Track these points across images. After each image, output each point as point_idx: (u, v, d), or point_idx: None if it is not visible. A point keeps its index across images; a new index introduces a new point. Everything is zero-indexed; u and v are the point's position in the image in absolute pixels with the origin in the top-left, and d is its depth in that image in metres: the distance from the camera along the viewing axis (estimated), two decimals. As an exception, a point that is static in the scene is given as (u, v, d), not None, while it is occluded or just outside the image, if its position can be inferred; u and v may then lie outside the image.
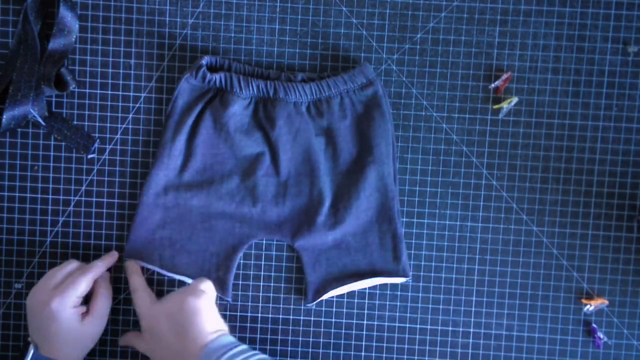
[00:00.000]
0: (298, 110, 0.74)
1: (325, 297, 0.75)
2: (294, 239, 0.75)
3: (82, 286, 0.69)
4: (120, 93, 0.76)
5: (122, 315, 0.77)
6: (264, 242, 0.77)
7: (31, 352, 0.68)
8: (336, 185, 0.75)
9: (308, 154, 0.74)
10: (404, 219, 0.77)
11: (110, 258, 0.74)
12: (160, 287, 0.77)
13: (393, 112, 0.76)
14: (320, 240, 0.75)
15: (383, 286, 0.77)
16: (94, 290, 0.73)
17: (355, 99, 0.74)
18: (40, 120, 0.74)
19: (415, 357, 0.77)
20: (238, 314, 0.77)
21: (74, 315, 0.69)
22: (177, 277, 0.76)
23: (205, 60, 0.73)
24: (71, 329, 0.69)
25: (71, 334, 0.69)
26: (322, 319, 0.77)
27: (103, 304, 0.72)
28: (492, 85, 0.76)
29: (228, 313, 0.77)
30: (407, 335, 0.77)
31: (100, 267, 0.72)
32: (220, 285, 0.75)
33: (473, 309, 0.77)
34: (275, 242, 0.77)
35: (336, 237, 0.75)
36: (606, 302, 0.76)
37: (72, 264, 0.72)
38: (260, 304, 0.77)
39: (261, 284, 0.77)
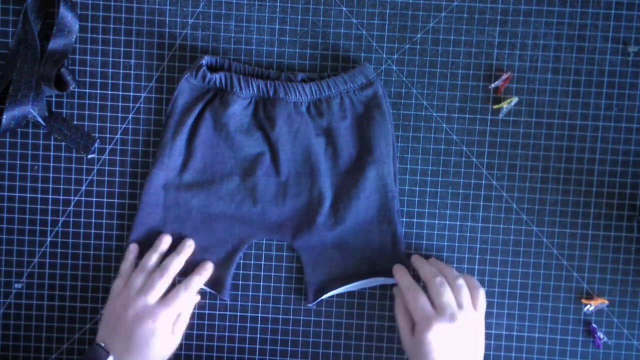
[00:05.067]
0: (298, 110, 0.74)
1: (325, 297, 0.75)
2: (294, 239, 0.75)
3: (185, 305, 0.70)
4: (120, 93, 0.76)
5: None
6: (264, 242, 0.77)
7: None
8: (336, 186, 0.75)
9: (308, 154, 0.74)
10: (404, 219, 0.77)
11: (206, 271, 0.73)
12: (160, 287, 0.77)
13: (393, 112, 0.76)
14: (320, 240, 0.75)
15: (383, 286, 0.77)
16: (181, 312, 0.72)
17: (355, 99, 0.74)
18: (40, 120, 0.74)
19: (415, 357, 0.77)
20: (238, 314, 0.77)
21: (170, 332, 0.69)
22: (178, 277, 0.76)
23: (205, 60, 0.73)
24: (164, 345, 0.68)
25: (162, 350, 0.68)
26: (322, 319, 0.77)
27: (185, 325, 0.72)
28: (492, 85, 0.76)
29: (228, 313, 0.77)
30: (407, 335, 0.77)
31: (199, 282, 0.72)
32: (219, 285, 0.75)
33: (473, 309, 0.77)
34: (275, 242, 0.77)
35: (336, 237, 0.75)
36: (606, 302, 0.76)
37: (152, 259, 0.71)
38: (260, 304, 0.77)
39: (261, 284, 0.77)
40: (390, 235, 0.75)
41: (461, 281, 0.70)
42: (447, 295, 0.68)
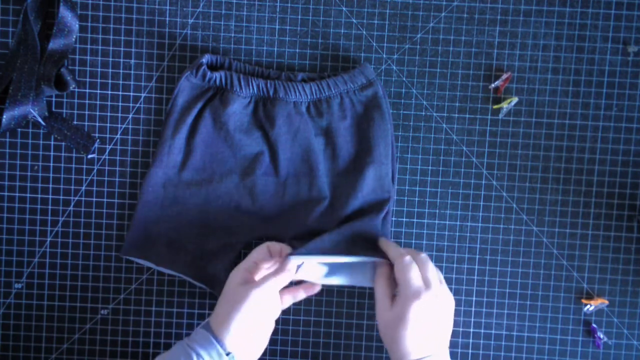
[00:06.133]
0: (298, 110, 0.74)
1: (301, 256, 0.71)
2: (292, 238, 0.75)
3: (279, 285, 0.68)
4: (120, 93, 0.76)
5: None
6: (264, 241, 0.77)
7: (207, 320, 0.67)
8: (334, 186, 0.75)
9: (307, 153, 0.74)
10: (404, 219, 0.77)
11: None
12: (160, 287, 0.77)
13: (393, 112, 0.76)
14: (317, 239, 0.74)
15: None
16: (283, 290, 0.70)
17: (355, 99, 0.74)
18: (40, 120, 0.74)
19: (415, 357, 0.77)
20: (238, 314, 0.77)
21: (261, 308, 0.66)
22: (177, 275, 0.76)
23: (205, 58, 0.73)
24: (250, 316, 0.65)
25: (246, 321, 0.65)
26: (322, 319, 0.77)
27: (283, 303, 0.70)
28: (492, 85, 0.76)
29: (228, 313, 0.77)
30: (407, 335, 0.77)
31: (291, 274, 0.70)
32: (218, 285, 0.74)
33: (473, 309, 0.77)
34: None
35: (332, 237, 0.74)
36: (606, 302, 0.76)
37: (287, 271, 0.69)
38: (260, 304, 0.77)
39: (261, 284, 0.77)
40: (378, 234, 0.74)
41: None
42: (432, 270, 0.69)
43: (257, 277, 0.69)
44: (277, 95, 0.73)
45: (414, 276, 0.67)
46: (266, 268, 0.70)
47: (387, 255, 0.71)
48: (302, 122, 0.74)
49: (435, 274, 0.69)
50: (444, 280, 0.70)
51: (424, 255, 0.70)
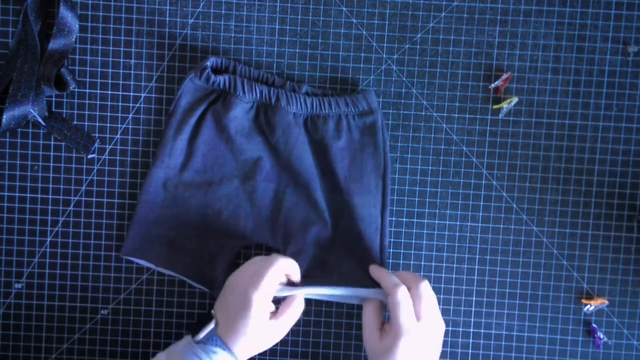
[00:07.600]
0: (297, 121, 0.73)
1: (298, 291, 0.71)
2: (285, 247, 0.74)
3: (272, 290, 0.67)
4: (120, 93, 0.76)
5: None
6: (262, 245, 0.77)
7: (211, 326, 0.67)
8: (329, 202, 0.75)
9: (304, 166, 0.74)
10: (404, 219, 0.77)
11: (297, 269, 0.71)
12: (160, 287, 0.77)
13: (393, 112, 0.76)
14: (308, 253, 0.74)
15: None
16: (288, 297, 0.70)
17: (353, 123, 0.74)
18: (40, 120, 0.74)
19: (415, 357, 0.77)
20: (238, 314, 0.77)
21: (265, 311, 0.67)
22: (177, 275, 0.76)
23: (210, 61, 0.73)
24: (257, 322, 0.66)
25: (255, 327, 0.66)
26: (322, 319, 0.77)
27: (292, 314, 0.69)
28: (492, 85, 0.76)
29: (228, 313, 0.77)
30: (407, 335, 0.77)
31: (298, 274, 0.70)
32: (217, 286, 0.74)
33: (473, 309, 0.77)
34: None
35: (322, 254, 0.74)
36: (606, 302, 0.76)
37: (279, 260, 0.68)
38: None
39: (261, 284, 0.77)
40: (369, 264, 0.73)
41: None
42: (426, 302, 0.68)
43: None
44: (278, 103, 0.73)
45: (405, 313, 0.66)
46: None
47: (381, 284, 0.70)
48: (300, 134, 0.73)
49: (429, 305, 0.68)
50: (437, 306, 0.69)
51: (423, 285, 0.68)
